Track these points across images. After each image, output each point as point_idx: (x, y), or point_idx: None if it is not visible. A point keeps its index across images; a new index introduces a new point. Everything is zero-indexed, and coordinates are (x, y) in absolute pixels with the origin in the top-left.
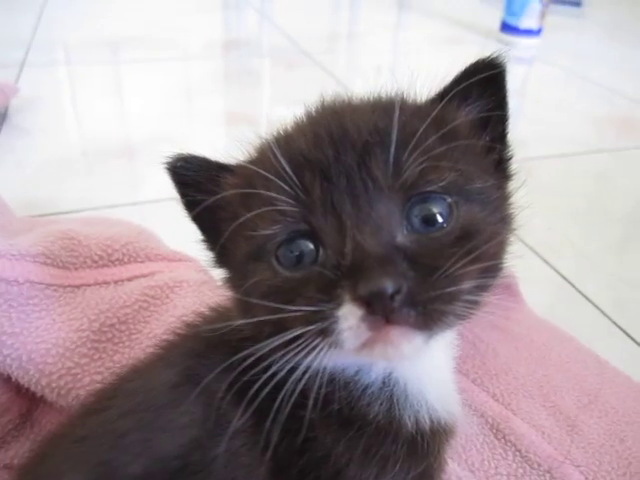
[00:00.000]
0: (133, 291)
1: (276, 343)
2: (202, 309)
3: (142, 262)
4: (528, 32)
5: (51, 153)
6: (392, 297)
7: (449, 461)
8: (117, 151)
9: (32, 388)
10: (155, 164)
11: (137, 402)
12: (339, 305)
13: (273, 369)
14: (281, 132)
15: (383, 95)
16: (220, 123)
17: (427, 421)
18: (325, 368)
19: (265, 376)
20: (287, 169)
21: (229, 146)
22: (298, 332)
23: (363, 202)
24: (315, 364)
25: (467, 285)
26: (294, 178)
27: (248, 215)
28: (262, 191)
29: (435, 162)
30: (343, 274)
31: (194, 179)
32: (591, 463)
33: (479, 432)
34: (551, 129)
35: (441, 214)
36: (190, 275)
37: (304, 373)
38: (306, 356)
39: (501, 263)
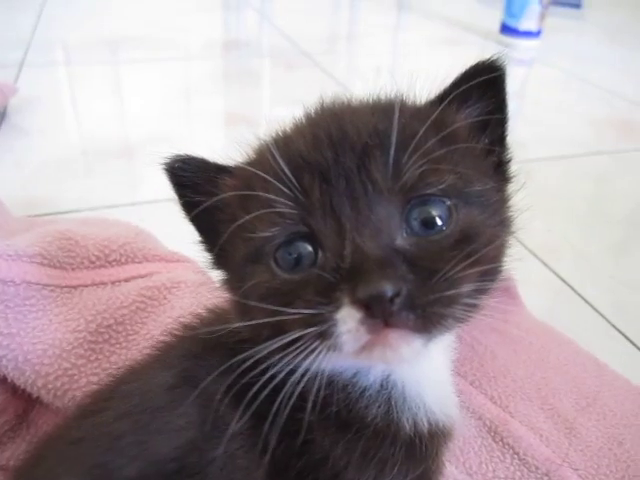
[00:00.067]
0: (130, 292)
1: (274, 346)
2: (199, 310)
3: (140, 263)
4: (527, 34)
5: (50, 153)
6: (391, 300)
7: (447, 464)
8: (116, 151)
9: (28, 389)
10: (154, 165)
11: (133, 404)
12: (338, 308)
13: (271, 372)
14: (280, 134)
15: (382, 97)
16: (219, 124)
17: (425, 424)
18: (324, 371)
19: (263, 379)
20: (286, 171)
21: (228, 147)
22: (297, 335)
23: (362, 204)
24: (314, 367)
25: (466, 288)
26: (293, 180)
27: (247, 217)
28: (261, 193)
29: (435, 165)
30: (342, 277)
31: (192, 180)
32: (589, 466)
33: (477, 435)
34: (550, 131)
35: (440, 217)
36: (188, 276)
37: (302, 376)
38: (305, 359)
39: (500, 266)
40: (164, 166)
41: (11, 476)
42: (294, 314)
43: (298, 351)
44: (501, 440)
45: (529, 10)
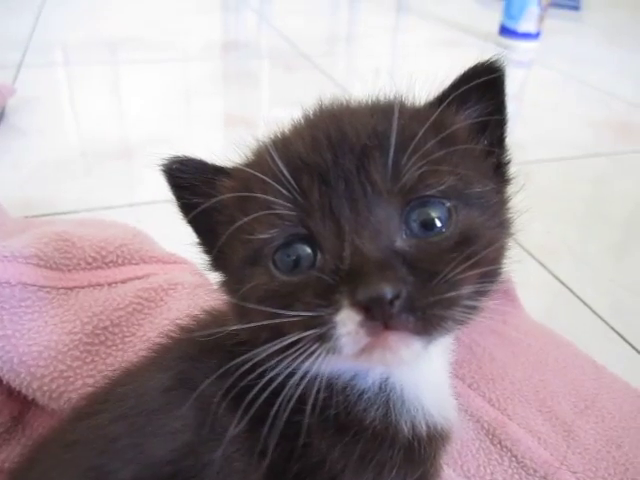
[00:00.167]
0: (127, 293)
1: (273, 348)
2: (196, 312)
3: (136, 264)
4: (526, 35)
5: (48, 154)
6: (391, 302)
7: (445, 467)
8: (114, 152)
9: (23, 391)
10: (152, 166)
11: (129, 406)
12: (337, 310)
13: (270, 375)
14: (279, 135)
15: (382, 98)
16: (218, 125)
17: (423, 426)
18: (323, 373)
19: (262, 382)
20: (285, 172)
21: (227, 148)
22: (295, 337)
23: (362, 206)
24: (313, 370)
25: (466, 290)
26: (292, 182)
27: (245, 219)
28: (259, 195)
29: (434, 166)
30: (341, 279)
31: (190, 182)
32: (587, 469)
33: (475, 437)
34: (549, 133)
35: (440, 219)
36: (185, 278)
37: (301, 379)
38: (304, 362)
39: (500, 268)
40: (162, 167)
41: (6, 479)
42: (293, 316)
43: (297, 354)
44: (499, 443)
45: (528, 12)
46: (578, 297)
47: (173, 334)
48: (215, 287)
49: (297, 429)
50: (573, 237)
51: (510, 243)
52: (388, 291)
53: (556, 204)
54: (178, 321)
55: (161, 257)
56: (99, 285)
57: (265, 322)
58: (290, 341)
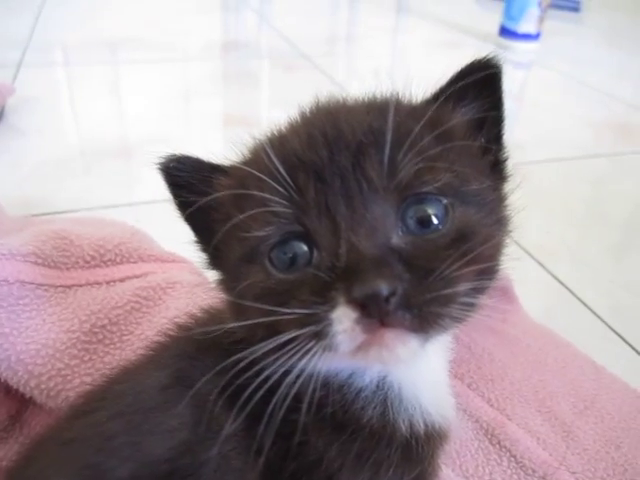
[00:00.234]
0: (125, 292)
1: (269, 346)
2: (195, 311)
3: (135, 263)
4: (526, 36)
5: (47, 153)
6: (387, 299)
7: (443, 467)
8: (114, 152)
9: (21, 389)
10: (151, 165)
11: (126, 404)
12: (333, 307)
13: (266, 373)
14: (275, 133)
15: (378, 96)
16: (218, 125)
17: (421, 425)
18: (319, 372)
19: (258, 380)
20: (281, 170)
21: (226, 148)
22: (292, 335)
23: (358, 203)
24: (309, 367)
25: (463, 287)
26: (288, 179)
27: (241, 216)
28: (255, 192)
29: (430, 163)
30: (337, 276)
31: (187, 180)
32: (587, 469)
33: (474, 437)
34: (549, 133)
35: (437, 216)
36: (183, 276)
37: (298, 377)
38: (300, 359)
39: (497, 265)
40: (159, 166)
41: (3, 477)
42: (289, 314)
43: (293, 351)
44: (498, 443)
45: (528, 13)
46: (577, 297)
47: (171, 332)
48: (213, 286)
49: (294, 427)
50: (572, 237)
51: (508, 241)
52: (384, 288)
53: (555, 204)
54: (176, 319)
55: (159, 256)
56: (97, 283)
57: (261, 320)
58: (286, 339)
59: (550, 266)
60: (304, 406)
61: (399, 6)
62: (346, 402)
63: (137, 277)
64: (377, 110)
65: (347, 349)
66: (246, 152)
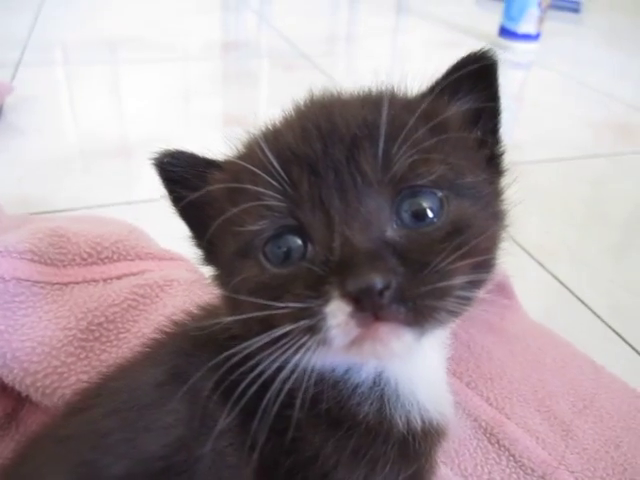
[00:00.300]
0: (122, 289)
1: (264, 341)
2: (191, 308)
3: (132, 260)
4: (526, 37)
5: (46, 152)
6: (381, 293)
7: (441, 466)
8: (113, 151)
9: (17, 387)
10: (150, 164)
11: (121, 401)
12: (327, 302)
13: (260, 368)
14: (269, 127)
15: (373, 90)
16: (217, 124)
17: (418, 422)
18: (313, 367)
19: (252, 375)
20: (274, 164)
21: (226, 148)
22: (286, 329)
23: (352, 197)
24: (303, 362)
25: (459, 280)
26: (281, 173)
27: (234, 210)
28: (249, 186)
29: (425, 154)
30: (331, 270)
31: (181, 175)
32: (586, 469)
33: (472, 436)
34: (548, 133)
35: (431, 209)
36: (181, 274)
37: (292, 372)
38: (294, 354)
39: (493, 259)
40: (153, 161)
41: None
42: (283, 308)
43: (287, 346)
44: (497, 442)
45: (528, 13)
46: (577, 297)
47: (167, 329)
48: (209, 282)
49: (289, 424)
50: (572, 237)
51: (504, 234)
52: (378, 281)
53: (555, 204)
54: (172, 317)
55: (157, 253)
56: (94, 281)
57: (255, 314)
58: (280, 333)
59: (550, 266)
60: (298, 402)
61: (399, 6)
62: (342, 398)
63: (134, 275)
64: (372, 103)
65: (341, 343)
66: (240, 147)
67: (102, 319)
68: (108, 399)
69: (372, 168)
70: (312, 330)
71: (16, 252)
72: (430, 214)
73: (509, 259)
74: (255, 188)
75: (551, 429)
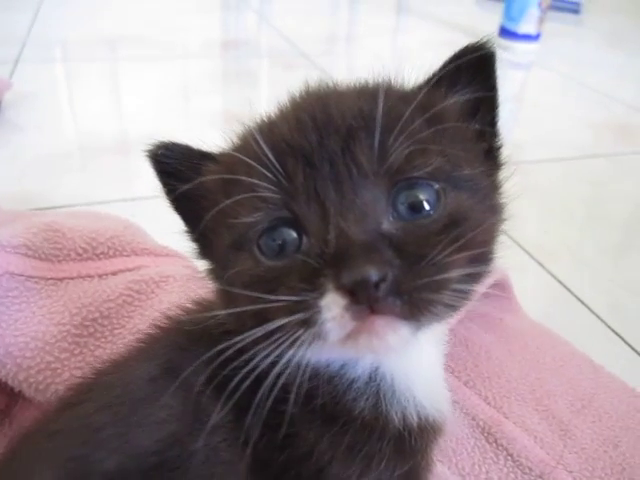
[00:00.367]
0: (117, 285)
1: (258, 334)
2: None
3: (128, 256)
4: (526, 37)
5: (45, 149)
6: (377, 286)
7: (439, 464)
8: (112, 148)
9: (10, 383)
10: (144, 156)
11: (114, 396)
12: (322, 294)
13: (254, 362)
14: (264, 119)
15: (369, 81)
16: (217, 123)
17: (415, 418)
18: (308, 362)
19: (246, 369)
20: (269, 155)
21: (225, 146)
22: (280, 323)
23: (347, 188)
24: (298, 357)
25: (455, 273)
26: (276, 164)
27: (227, 202)
28: (243, 177)
29: (422, 146)
30: (326, 262)
31: (175, 167)
32: (584, 469)
33: (470, 435)
34: (549, 134)
35: (428, 201)
36: (177, 270)
37: (286, 366)
38: (288, 348)
39: (491, 252)
40: (147, 153)
41: None
42: (277, 301)
43: (282, 340)
44: (495, 441)
45: (528, 14)
46: (577, 297)
47: (161, 324)
48: (204, 276)
49: (283, 419)
50: (572, 237)
51: (502, 228)
52: (373, 274)
53: (555, 205)
54: (167, 312)
55: (153, 249)
56: (89, 276)
57: (250, 307)
58: (274, 327)
59: (550, 266)
60: (292, 397)
61: (399, 6)
62: (337, 394)
63: (130, 270)
64: (368, 94)
65: (336, 337)
66: (235, 139)
67: (97, 315)
68: (101, 394)
69: (368, 159)
70: (307, 323)
71: (10, 246)
72: (427, 206)
73: (509, 259)
74: (249, 180)
75: (549, 428)
